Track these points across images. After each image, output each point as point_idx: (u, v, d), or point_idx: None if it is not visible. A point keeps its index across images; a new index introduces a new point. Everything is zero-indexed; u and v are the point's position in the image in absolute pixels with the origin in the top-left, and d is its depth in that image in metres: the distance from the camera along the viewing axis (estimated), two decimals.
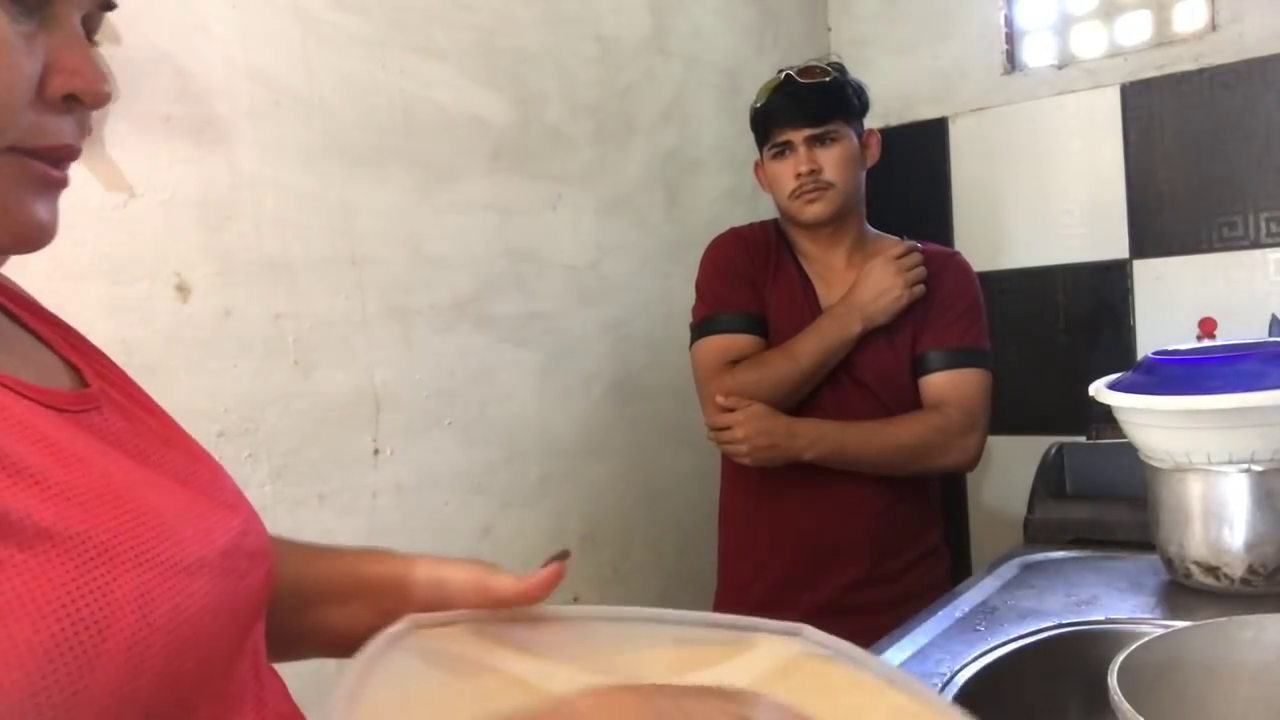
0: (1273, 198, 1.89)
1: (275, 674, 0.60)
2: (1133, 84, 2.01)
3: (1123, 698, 0.60)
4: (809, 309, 1.52)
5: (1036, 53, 2.16)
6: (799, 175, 1.48)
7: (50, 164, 0.48)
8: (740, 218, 2.09)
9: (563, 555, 0.59)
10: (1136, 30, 2.04)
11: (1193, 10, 1.97)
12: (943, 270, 1.54)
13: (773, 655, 0.55)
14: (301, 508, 1.27)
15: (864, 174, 1.54)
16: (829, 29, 2.43)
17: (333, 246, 1.33)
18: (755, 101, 1.56)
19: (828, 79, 1.50)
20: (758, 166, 1.61)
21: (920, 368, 1.52)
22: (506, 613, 0.60)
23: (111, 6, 0.51)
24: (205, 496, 0.55)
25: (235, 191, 1.22)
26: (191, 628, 0.47)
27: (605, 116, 1.78)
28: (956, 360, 1.51)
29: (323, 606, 0.65)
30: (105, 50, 1.07)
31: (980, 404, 1.52)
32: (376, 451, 1.38)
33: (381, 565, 0.64)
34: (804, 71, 1.51)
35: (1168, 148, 1.99)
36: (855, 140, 1.51)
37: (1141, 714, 0.57)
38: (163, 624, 0.45)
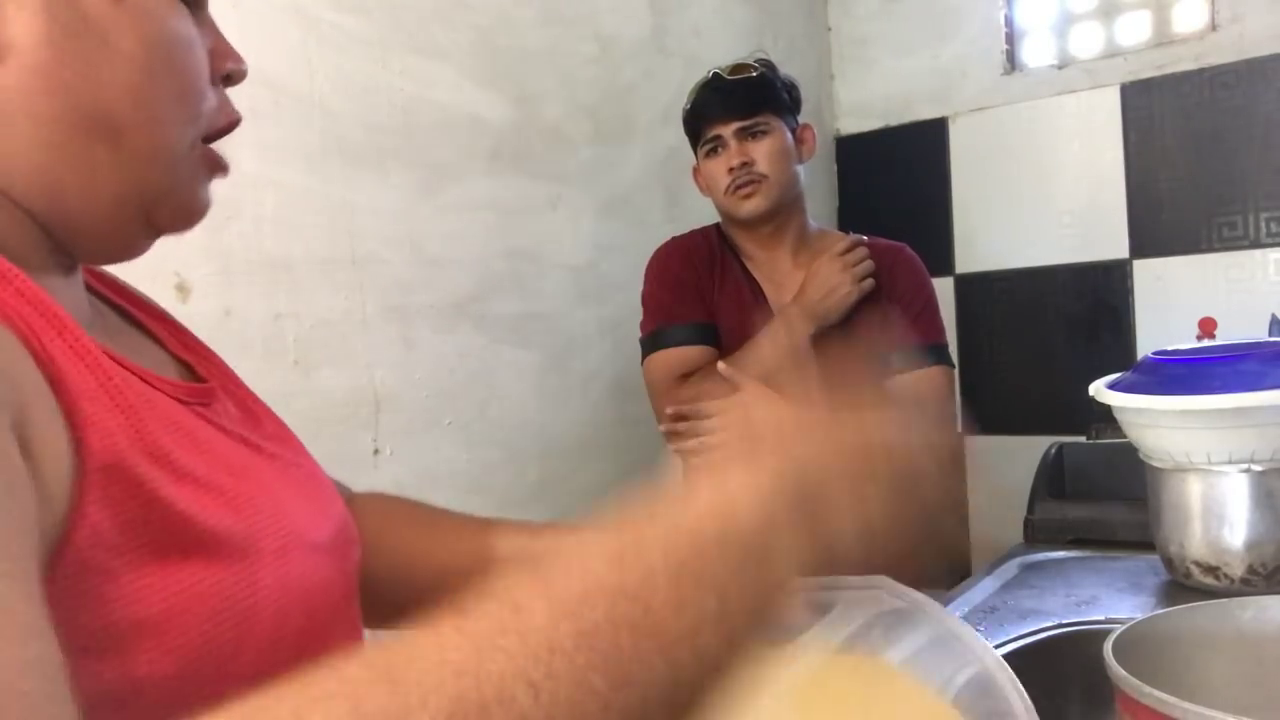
0: (1273, 198, 1.89)
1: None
2: (1133, 84, 2.01)
3: (1115, 662, 0.60)
4: (760, 312, 1.50)
5: (1036, 53, 2.16)
6: (731, 170, 1.46)
7: (218, 150, 0.54)
8: None
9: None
10: (1136, 30, 2.04)
11: (1193, 10, 1.97)
12: (895, 265, 1.53)
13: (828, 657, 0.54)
14: None
15: (801, 169, 1.53)
16: (829, 29, 2.43)
17: (333, 246, 1.33)
18: (685, 104, 1.54)
19: (754, 74, 1.49)
20: (696, 172, 1.58)
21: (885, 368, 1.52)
22: None
23: None
24: (313, 484, 0.59)
25: (235, 191, 1.22)
26: (319, 597, 0.50)
27: (605, 116, 1.78)
28: (922, 359, 1.49)
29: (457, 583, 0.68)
30: None
31: (951, 401, 1.54)
32: (376, 451, 1.38)
33: (512, 538, 0.68)
34: (732, 69, 1.50)
35: (1168, 148, 1.99)
36: (788, 134, 1.50)
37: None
38: (299, 587, 0.48)
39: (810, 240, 1.55)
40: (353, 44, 1.36)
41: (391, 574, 0.66)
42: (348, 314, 1.35)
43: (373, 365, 1.37)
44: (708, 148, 1.50)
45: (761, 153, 1.46)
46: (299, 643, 0.48)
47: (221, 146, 0.55)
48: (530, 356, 1.62)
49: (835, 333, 1.46)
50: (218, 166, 0.54)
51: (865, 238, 1.54)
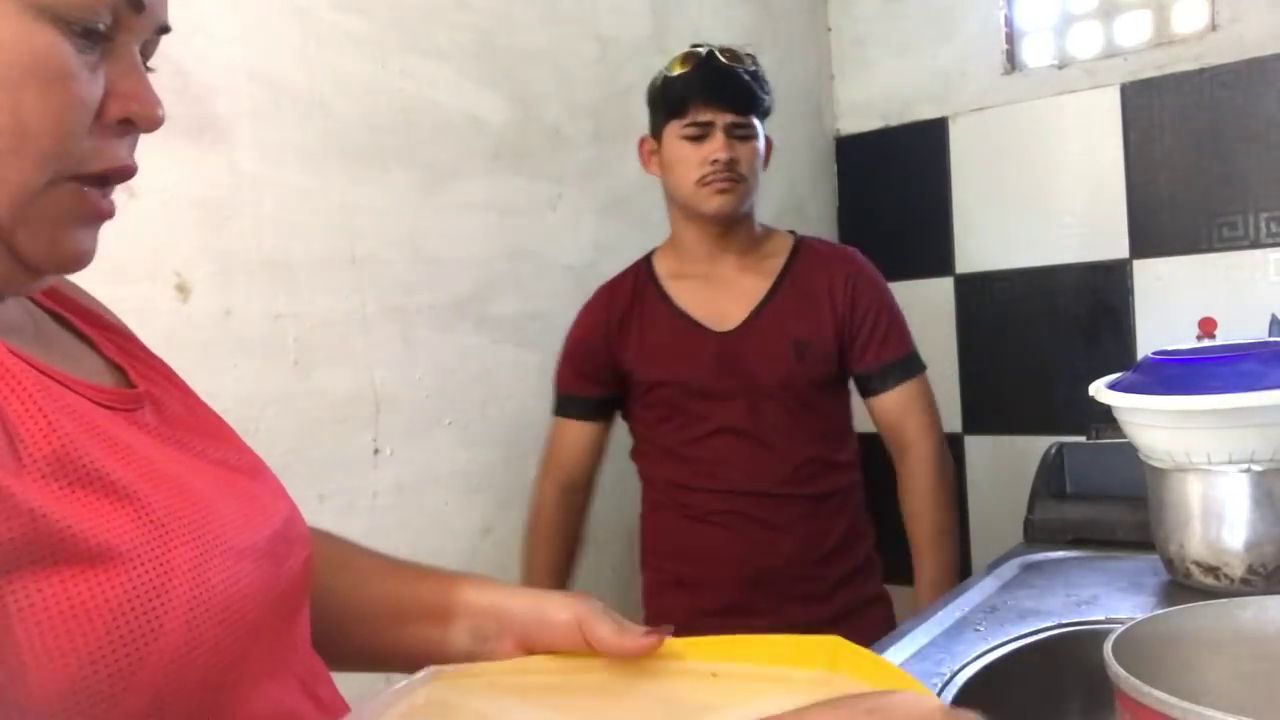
0: (1273, 198, 1.89)
1: (320, 662, 0.61)
2: (1133, 84, 2.01)
3: (1115, 660, 0.60)
4: (691, 338, 1.44)
5: (1036, 53, 2.16)
6: (714, 161, 1.37)
7: (101, 191, 0.50)
8: None
9: (666, 630, 0.58)
10: (1136, 30, 2.04)
11: (1193, 10, 1.97)
12: (857, 281, 1.48)
13: (810, 687, 0.54)
14: (302, 508, 1.26)
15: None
16: (829, 29, 2.43)
17: (333, 246, 1.33)
18: (667, 70, 1.42)
19: (753, 68, 1.42)
20: (646, 146, 1.48)
21: (866, 388, 1.50)
22: (536, 662, 0.60)
23: (167, 30, 0.53)
24: (251, 486, 0.58)
25: (235, 191, 1.22)
26: (242, 606, 0.49)
27: (605, 116, 1.78)
28: (903, 372, 1.49)
29: (420, 624, 0.66)
30: None
31: (935, 408, 1.53)
32: (376, 451, 1.38)
33: (484, 591, 0.65)
34: (728, 54, 1.40)
35: (1168, 148, 1.99)
36: (763, 142, 1.45)
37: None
38: (218, 598, 0.47)
39: (758, 241, 1.51)
40: (353, 44, 1.36)
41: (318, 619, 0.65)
42: (348, 314, 1.35)
43: (373, 365, 1.37)
44: (690, 131, 1.39)
45: (746, 155, 1.40)
46: (214, 654, 0.47)
47: (136, 153, 0.52)
48: (530, 356, 1.62)
49: (784, 344, 1.44)
50: (96, 213, 0.50)
51: (810, 238, 1.53)
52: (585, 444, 1.52)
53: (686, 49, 1.43)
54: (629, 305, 1.49)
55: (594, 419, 1.52)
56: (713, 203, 1.40)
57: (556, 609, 0.61)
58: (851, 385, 1.54)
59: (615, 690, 0.57)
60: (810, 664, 0.55)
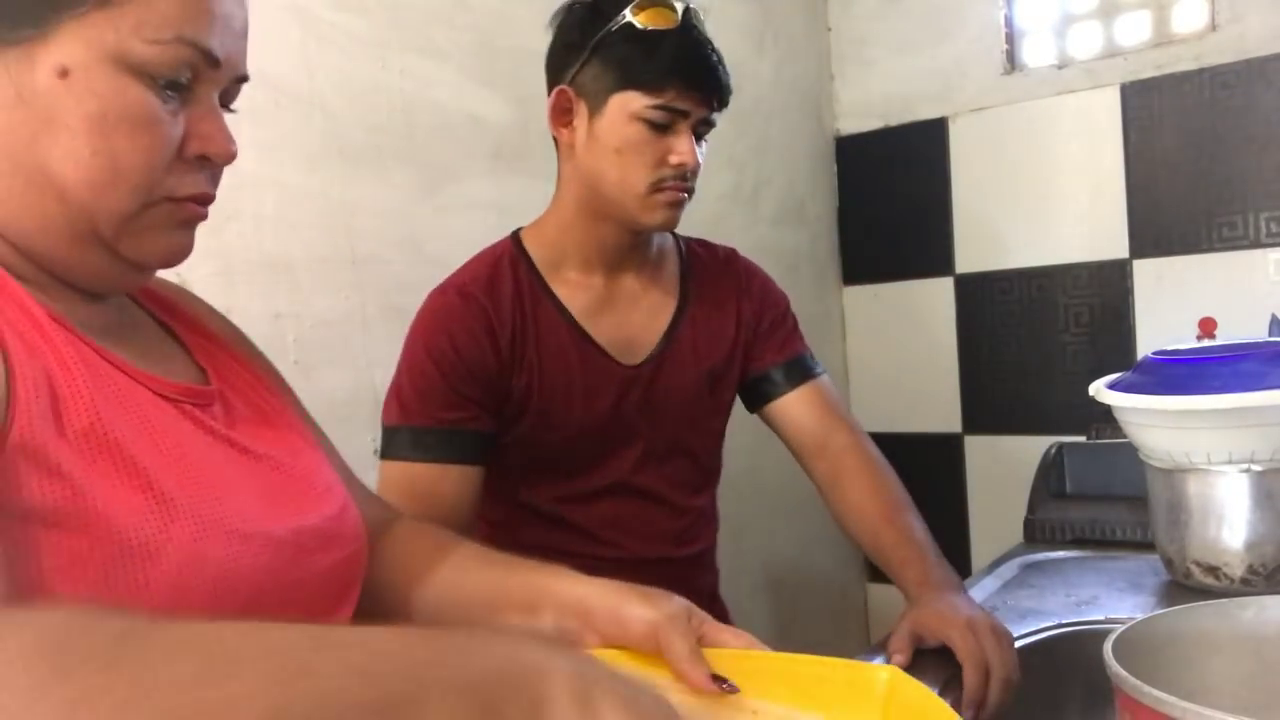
0: (1273, 198, 1.89)
1: None
2: (1133, 84, 2.01)
3: (1115, 660, 0.60)
4: (598, 372, 1.13)
5: (1036, 53, 2.16)
6: (679, 165, 1.06)
7: (193, 205, 0.60)
8: (740, 218, 2.10)
9: (732, 688, 0.58)
10: (1136, 30, 2.04)
11: (1193, 10, 1.97)
12: (750, 277, 1.26)
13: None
14: None
15: None
16: (829, 29, 2.43)
17: (333, 246, 1.33)
18: (634, 17, 1.05)
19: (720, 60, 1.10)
20: (563, 95, 1.13)
21: (764, 392, 1.24)
22: None
23: (245, 79, 0.62)
24: (291, 482, 0.64)
25: (235, 191, 1.22)
26: (236, 584, 0.54)
27: None
28: (810, 369, 1.25)
29: (512, 614, 0.69)
30: None
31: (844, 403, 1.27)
32: (376, 451, 1.38)
33: (572, 586, 0.67)
34: (698, 18, 1.09)
35: (1168, 148, 1.99)
36: None
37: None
38: (209, 571, 0.53)
39: (660, 254, 1.22)
40: (353, 44, 1.35)
41: (392, 598, 0.72)
42: (348, 314, 1.35)
43: (373, 365, 1.37)
44: (657, 115, 1.05)
45: (700, 163, 1.10)
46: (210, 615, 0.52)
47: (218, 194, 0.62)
48: None
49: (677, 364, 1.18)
50: (192, 217, 0.61)
51: (694, 239, 1.28)
52: (471, 497, 1.08)
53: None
54: (516, 316, 1.11)
55: (478, 462, 1.08)
56: (659, 216, 1.09)
57: (636, 613, 0.62)
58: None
59: None
60: (861, 700, 0.53)
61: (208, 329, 0.72)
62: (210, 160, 0.60)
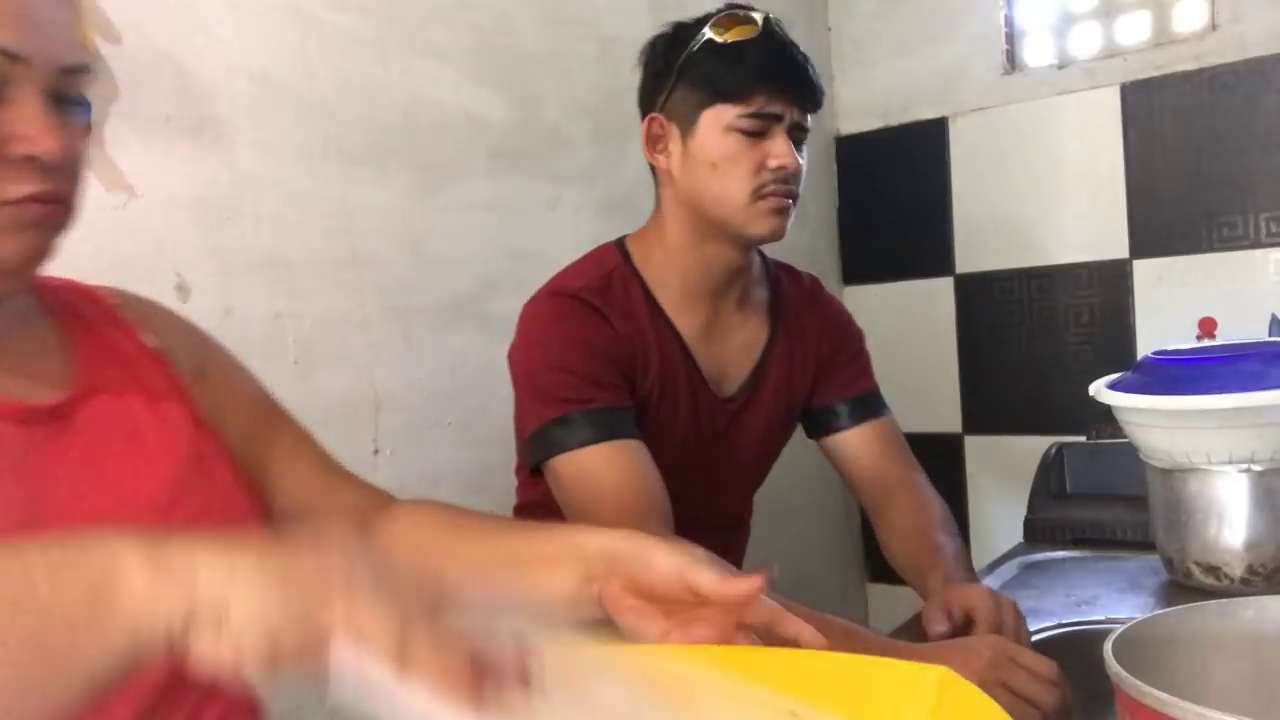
0: (1273, 198, 1.89)
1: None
2: (1133, 84, 2.01)
3: (1115, 660, 0.60)
4: (702, 402, 1.11)
5: (1036, 53, 2.16)
6: (779, 169, 1.05)
7: (35, 205, 0.58)
8: None
9: (769, 569, 0.58)
10: (1136, 30, 2.04)
11: (1193, 10, 1.97)
12: (830, 307, 1.27)
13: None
14: None
15: None
16: (829, 29, 2.42)
17: (333, 246, 1.33)
18: (710, 32, 1.05)
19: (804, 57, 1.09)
20: (654, 122, 1.09)
21: (827, 423, 1.23)
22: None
23: (80, 68, 0.59)
24: (129, 490, 0.64)
25: (235, 191, 1.22)
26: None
27: (605, 116, 1.78)
28: (878, 407, 1.25)
29: (534, 570, 0.69)
30: (105, 50, 1.07)
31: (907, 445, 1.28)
32: (376, 451, 1.38)
33: (595, 536, 0.68)
34: (780, 25, 1.08)
35: (1168, 148, 1.99)
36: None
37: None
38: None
39: (755, 278, 1.21)
40: (353, 44, 1.36)
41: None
42: (348, 314, 1.35)
43: (373, 365, 1.37)
44: (749, 124, 1.03)
45: (802, 166, 1.08)
46: None
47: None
48: None
49: (747, 400, 1.17)
50: (40, 217, 0.59)
51: (780, 263, 1.28)
52: (655, 468, 1.03)
53: (723, 9, 1.08)
54: (635, 329, 1.08)
55: (640, 436, 1.04)
56: (766, 224, 1.07)
57: (662, 555, 0.63)
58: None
59: None
60: (910, 700, 0.51)
61: (92, 321, 0.70)
62: (36, 159, 0.57)
